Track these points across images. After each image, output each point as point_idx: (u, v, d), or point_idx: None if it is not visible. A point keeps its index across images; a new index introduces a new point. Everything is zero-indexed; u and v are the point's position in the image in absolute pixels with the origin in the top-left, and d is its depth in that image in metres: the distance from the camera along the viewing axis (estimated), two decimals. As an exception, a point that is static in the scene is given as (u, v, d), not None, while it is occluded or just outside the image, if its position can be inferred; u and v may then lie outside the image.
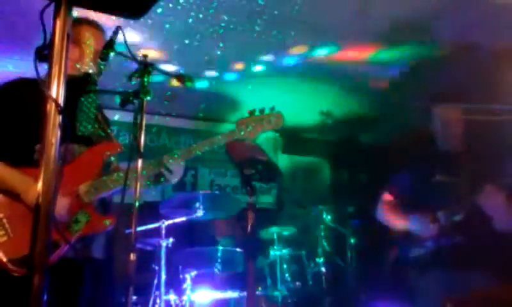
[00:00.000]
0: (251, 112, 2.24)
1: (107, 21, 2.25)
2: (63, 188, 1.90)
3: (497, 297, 2.33)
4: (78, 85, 2.05)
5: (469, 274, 2.46)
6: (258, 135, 2.22)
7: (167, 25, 3.73)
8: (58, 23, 1.08)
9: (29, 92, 1.95)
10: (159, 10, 3.51)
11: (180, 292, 3.63)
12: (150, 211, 3.46)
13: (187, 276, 3.65)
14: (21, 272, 1.81)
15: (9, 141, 1.98)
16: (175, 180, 2.17)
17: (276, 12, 3.59)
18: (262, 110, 2.23)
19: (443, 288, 2.52)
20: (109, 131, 2.25)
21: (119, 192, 1.96)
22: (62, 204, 1.90)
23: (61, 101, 1.06)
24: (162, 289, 3.46)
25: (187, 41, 3.99)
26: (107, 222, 2.03)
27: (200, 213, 3.68)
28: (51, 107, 1.05)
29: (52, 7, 1.09)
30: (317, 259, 4.25)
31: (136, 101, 1.93)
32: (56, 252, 1.86)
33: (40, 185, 1.02)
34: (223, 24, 3.73)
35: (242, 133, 2.20)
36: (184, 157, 2.15)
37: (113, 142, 2.24)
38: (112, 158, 2.20)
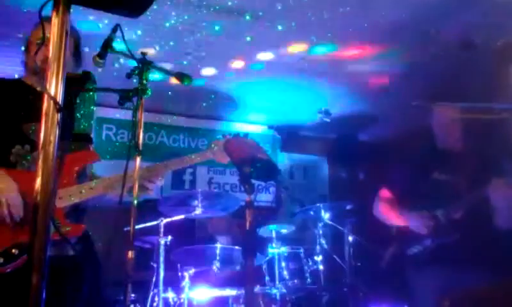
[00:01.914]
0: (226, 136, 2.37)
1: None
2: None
3: (495, 295, 2.33)
4: (77, 83, 2.04)
5: (467, 272, 2.46)
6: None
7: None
8: (56, 20, 1.07)
9: (5, 94, 1.94)
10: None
11: (178, 290, 3.63)
12: (149, 209, 3.45)
13: (186, 274, 3.65)
14: None
15: None
16: (152, 192, 2.21)
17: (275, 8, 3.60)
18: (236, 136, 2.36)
19: (440, 286, 2.52)
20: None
21: (93, 200, 2.02)
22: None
23: (59, 99, 1.05)
24: (161, 287, 3.46)
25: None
26: (76, 229, 2.02)
27: (198, 211, 3.67)
28: (49, 105, 1.04)
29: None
30: (315, 257, 4.25)
31: (134, 99, 1.93)
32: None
33: (38, 183, 1.01)
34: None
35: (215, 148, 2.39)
36: (155, 171, 2.20)
37: (92, 151, 2.24)
38: (90, 167, 2.22)
